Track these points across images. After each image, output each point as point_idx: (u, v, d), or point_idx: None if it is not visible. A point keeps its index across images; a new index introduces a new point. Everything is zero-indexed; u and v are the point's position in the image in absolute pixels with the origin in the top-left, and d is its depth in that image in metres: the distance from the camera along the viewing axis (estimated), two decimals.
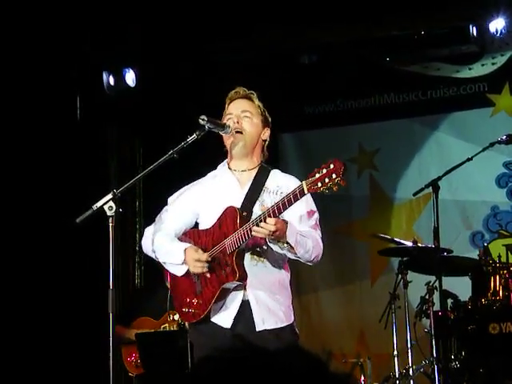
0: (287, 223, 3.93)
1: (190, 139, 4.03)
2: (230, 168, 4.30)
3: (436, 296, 6.01)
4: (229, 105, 4.31)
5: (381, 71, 7.82)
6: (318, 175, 3.72)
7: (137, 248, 8.23)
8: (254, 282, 4.07)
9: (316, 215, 4.19)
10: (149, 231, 4.38)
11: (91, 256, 6.71)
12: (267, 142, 4.35)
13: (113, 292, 3.82)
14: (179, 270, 4.17)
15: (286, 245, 3.96)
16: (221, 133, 4.19)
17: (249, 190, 4.18)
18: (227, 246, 4.01)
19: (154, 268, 6.57)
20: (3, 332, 6.62)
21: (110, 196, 3.87)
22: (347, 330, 7.93)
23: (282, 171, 4.36)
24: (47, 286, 6.91)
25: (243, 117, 4.24)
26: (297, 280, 7.69)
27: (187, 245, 4.15)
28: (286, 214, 3.94)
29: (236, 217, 4.03)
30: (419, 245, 6.25)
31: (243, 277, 4.01)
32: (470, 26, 6.93)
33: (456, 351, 6.01)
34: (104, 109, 7.72)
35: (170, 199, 4.40)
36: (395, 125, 7.99)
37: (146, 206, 8.25)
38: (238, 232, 3.97)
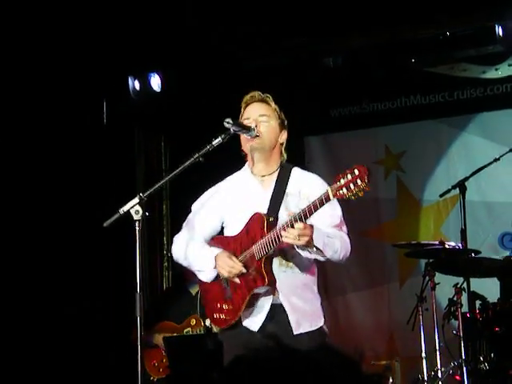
0: (313, 227, 3.94)
1: (215, 142, 4.04)
2: (251, 172, 4.31)
3: (464, 297, 5.98)
4: (245, 109, 4.31)
5: (407, 73, 7.79)
6: (342, 181, 3.72)
7: (164, 252, 8.26)
8: (285, 288, 4.11)
9: (340, 213, 4.19)
10: (178, 238, 4.42)
11: (118, 260, 6.74)
12: (284, 145, 4.34)
13: (140, 296, 3.83)
14: (210, 276, 4.22)
15: (314, 249, 3.98)
16: (246, 135, 4.20)
17: (272, 194, 4.20)
18: (255, 251, 4.04)
19: (180, 272, 6.69)
20: (30, 334, 6.67)
21: (136, 200, 3.89)
22: (376, 332, 7.90)
23: None
24: (75, 289, 6.95)
25: (261, 121, 4.24)
26: (325, 283, 7.68)
27: (218, 250, 4.19)
28: (310, 217, 3.94)
29: (263, 223, 4.06)
30: (446, 246, 6.21)
31: (272, 282, 4.05)
32: (497, 26, 6.88)
33: (485, 353, 5.95)
34: (130, 113, 7.76)
35: (193, 206, 4.43)
36: (422, 126, 7.94)
37: (173, 209, 8.28)
38: (265, 238, 4.00)
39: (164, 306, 6.75)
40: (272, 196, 4.19)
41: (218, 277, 4.20)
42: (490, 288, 6.25)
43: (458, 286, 6.06)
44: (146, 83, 7.58)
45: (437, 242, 6.25)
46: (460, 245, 5.89)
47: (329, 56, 7.53)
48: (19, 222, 6.74)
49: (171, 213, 8.30)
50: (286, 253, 4.10)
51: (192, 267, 4.32)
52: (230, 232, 4.29)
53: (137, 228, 3.87)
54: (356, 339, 7.88)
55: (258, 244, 4.03)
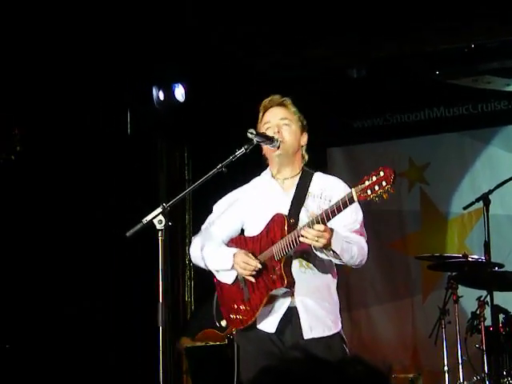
0: (333, 231, 3.92)
1: (238, 153, 4.04)
2: (273, 176, 4.31)
3: (487, 311, 5.94)
4: (264, 113, 4.30)
5: (431, 85, 7.77)
6: (367, 182, 3.70)
7: (187, 261, 8.27)
8: (302, 290, 4.08)
9: (361, 219, 4.17)
10: (196, 240, 4.42)
11: (141, 270, 6.76)
12: (305, 146, 4.33)
13: (162, 305, 3.84)
14: (229, 277, 4.20)
15: (331, 252, 3.96)
16: (269, 146, 4.20)
17: (294, 196, 4.19)
18: (275, 252, 4.03)
19: (206, 281, 6.68)
20: (57, 342, 6.71)
21: (159, 210, 3.90)
22: (399, 345, 7.87)
23: None
24: (98, 298, 6.98)
25: (282, 125, 4.23)
26: (347, 295, 7.67)
27: (236, 249, 4.18)
28: (332, 219, 3.92)
29: (284, 224, 4.05)
30: (469, 259, 6.17)
31: (291, 283, 4.03)
32: None
33: (508, 367, 5.91)
34: (154, 123, 7.79)
35: (215, 207, 4.43)
36: (445, 138, 7.93)
37: (196, 219, 8.28)
38: (285, 238, 3.99)
39: (206, 313, 6.72)
40: (293, 198, 4.18)
41: (237, 278, 4.18)
42: None
43: (482, 299, 6.02)
44: (170, 93, 7.61)
45: (460, 255, 6.22)
46: (483, 258, 5.85)
47: (353, 67, 7.53)
48: (44, 234, 6.78)
49: (194, 222, 8.31)
50: (307, 254, 4.09)
51: (209, 267, 4.31)
52: (249, 233, 4.28)
53: (160, 238, 3.88)
54: (379, 352, 7.85)
55: (277, 244, 4.02)
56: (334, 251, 3.94)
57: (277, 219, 4.09)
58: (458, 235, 7.86)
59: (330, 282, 4.19)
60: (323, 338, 4.09)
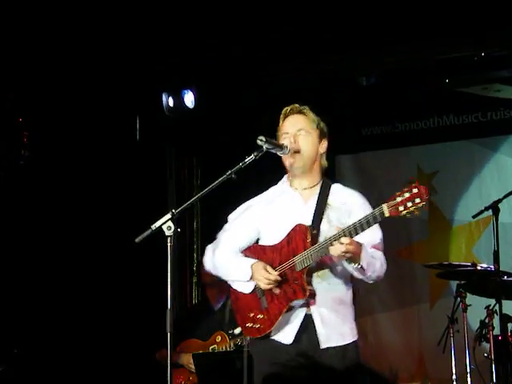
0: (362, 245, 3.93)
1: (247, 160, 4.03)
2: (291, 184, 4.30)
3: (496, 320, 5.92)
4: (283, 122, 4.29)
5: (440, 93, 7.76)
6: (399, 199, 3.70)
7: (194, 268, 8.27)
8: (318, 300, 4.07)
9: (381, 235, 4.18)
10: (210, 249, 4.40)
11: (150, 276, 6.76)
12: (325, 153, 4.33)
13: (171, 312, 3.83)
14: (246, 287, 4.18)
15: (358, 265, 3.95)
16: (279, 153, 4.19)
17: (316, 206, 4.17)
18: (297, 263, 4.02)
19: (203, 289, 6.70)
20: (65, 349, 6.71)
21: (168, 216, 3.88)
22: (406, 353, 7.85)
23: None
24: (106, 304, 6.98)
25: (299, 135, 4.22)
26: (353, 302, 7.64)
27: (253, 260, 4.16)
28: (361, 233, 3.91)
29: (306, 234, 4.03)
30: (478, 267, 6.16)
31: (312, 295, 4.03)
32: None
33: None
34: (163, 130, 7.79)
35: (230, 216, 4.41)
36: (454, 146, 7.91)
37: (204, 225, 8.29)
38: (310, 250, 3.98)
39: (190, 323, 6.72)
40: (316, 208, 4.16)
41: (255, 288, 4.16)
42: None
43: (490, 308, 6.00)
44: (179, 100, 7.61)
45: (469, 264, 6.21)
46: (492, 267, 5.84)
47: (362, 75, 7.53)
48: (52, 239, 6.79)
49: (202, 229, 8.31)
50: (324, 265, 4.08)
51: (224, 277, 4.30)
52: (265, 243, 4.25)
53: (169, 244, 3.86)
54: (385, 360, 7.83)
55: (300, 255, 4.01)
56: (361, 266, 3.95)
57: (299, 230, 4.07)
58: (465, 243, 7.85)
59: (344, 292, 4.19)
60: (339, 347, 4.09)
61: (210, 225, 8.11)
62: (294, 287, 4.02)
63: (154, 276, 4.98)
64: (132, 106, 7.45)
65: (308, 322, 4.08)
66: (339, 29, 6.72)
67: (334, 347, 4.07)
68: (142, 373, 6.91)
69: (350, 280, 4.21)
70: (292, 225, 4.10)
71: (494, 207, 5.80)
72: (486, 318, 6.04)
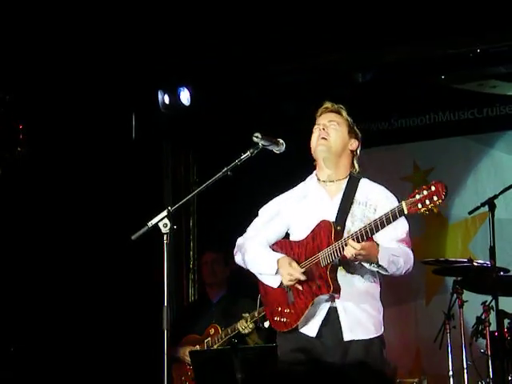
0: (378, 246, 3.99)
1: (243, 157, 4.06)
2: (318, 179, 4.35)
3: (492, 316, 5.93)
4: (317, 119, 4.39)
5: (436, 89, 7.76)
6: (418, 196, 3.80)
7: (190, 265, 8.27)
8: (343, 293, 4.12)
9: (407, 228, 4.24)
10: (240, 242, 4.48)
11: (146, 273, 6.76)
12: (357, 155, 4.40)
13: (167, 309, 3.84)
14: (274, 281, 4.25)
15: (376, 265, 4.04)
16: (275, 150, 4.21)
17: (340, 203, 4.22)
18: (321, 258, 4.08)
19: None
20: (60, 346, 6.71)
21: (164, 213, 3.90)
22: (402, 349, 7.83)
23: None
24: (102, 302, 6.98)
25: (329, 125, 4.31)
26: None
27: (280, 255, 4.23)
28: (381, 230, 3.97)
29: (331, 231, 4.10)
30: (475, 263, 6.17)
31: (337, 290, 4.08)
32: None
33: None
34: (159, 127, 7.79)
35: (260, 211, 4.49)
36: (450, 143, 7.91)
37: (200, 223, 8.28)
38: (333, 246, 4.04)
39: (189, 319, 6.79)
40: (340, 205, 4.22)
41: (281, 282, 4.23)
42: None
43: (487, 304, 6.01)
44: (175, 97, 7.60)
45: (465, 260, 6.22)
46: (488, 263, 5.84)
47: (358, 71, 7.53)
48: (48, 237, 6.78)
49: (198, 226, 8.31)
50: (348, 260, 4.10)
51: (252, 270, 4.37)
52: (294, 238, 4.33)
53: (165, 241, 3.88)
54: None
55: (324, 251, 4.07)
56: (381, 266, 4.02)
57: (323, 226, 4.14)
58: (461, 239, 7.84)
59: (371, 287, 4.24)
60: (362, 340, 4.14)
61: (206, 222, 8.14)
62: (319, 282, 4.09)
63: (151, 273, 4.97)
64: (128, 103, 7.44)
65: (332, 314, 4.14)
66: (335, 27, 6.72)
67: (358, 340, 4.13)
68: (140, 370, 6.93)
69: (375, 274, 4.25)
70: (318, 220, 4.17)
71: (490, 203, 5.81)
72: (482, 314, 6.06)
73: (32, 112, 6.74)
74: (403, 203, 3.84)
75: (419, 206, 3.78)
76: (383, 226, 3.90)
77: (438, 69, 7.42)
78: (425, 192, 3.79)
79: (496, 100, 7.72)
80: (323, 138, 4.28)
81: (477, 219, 7.47)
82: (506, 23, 6.53)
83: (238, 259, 4.48)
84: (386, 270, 4.07)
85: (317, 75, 7.49)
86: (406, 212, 3.83)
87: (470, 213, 6.24)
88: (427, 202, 3.77)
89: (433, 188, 3.79)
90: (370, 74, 7.56)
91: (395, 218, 3.87)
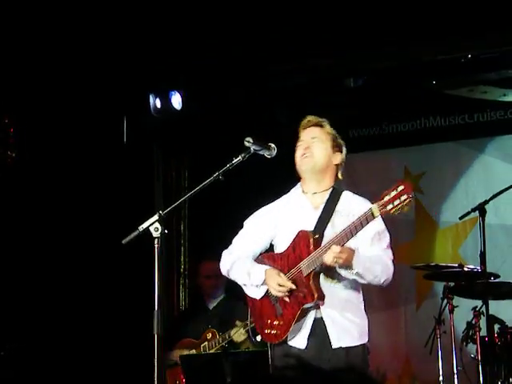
0: (354, 252, 4.03)
1: (235, 161, 4.06)
2: (303, 191, 4.39)
3: (483, 321, 5.94)
4: (301, 133, 4.41)
5: (427, 94, 7.78)
6: (387, 198, 3.86)
7: (181, 270, 8.26)
8: (327, 301, 4.16)
9: (387, 236, 4.28)
10: (226, 254, 4.49)
11: (137, 277, 6.75)
12: (341, 168, 4.44)
13: (158, 313, 3.83)
14: (257, 293, 4.30)
15: (354, 271, 4.06)
16: (266, 155, 4.21)
17: (321, 212, 4.26)
18: (303, 268, 4.13)
19: (198, 290, 6.75)
20: (53, 353, 6.70)
21: (155, 217, 3.89)
22: (392, 354, 7.84)
23: None
24: (93, 306, 6.96)
25: (313, 142, 4.34)
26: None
27: (267, 266, 4.27)
28: (359, 236, 4.03)
29: (308, 240, 4.14)
30: (465, 269, 6.18)
31: (321, 297, 4.13)
32: None
33: (503, 378, 5.91)
34: (150, 131, 7.78)
35: (245, 222, 4.51)
36: (441, 148, 7.92)
37: (191, 227, 8.28)
38: (312, 255, 4.08)
39: (185, 323, 6.82)
40: (320, 214, 4.26)
41: (266, 293, 4.27)
42: (508, 312, 6.21)
43: (477, 309, 6.02)
44: (167, 101, 7.60)
45: (456, 265, 6.23)
46: (479, 268, 5.85)
47: (350, 77, 7.53)
48: (39, 241, 6.77)
49: (189, 230, 8.30)
50: (330, 268, 4.14)
51: (237, 281, 4.40)
52: (279, 249, 4.37)
53: (156, 245, 3.87)
54: (372, 361, 7.80)
55: (305, 261, 4.12)
56: (357, 272, 4.06)
57: (302, 236, 4.18)
58: (451, 244, 7.86)
59: (354, 296, 4.28)
60: (348, 347, 4.18)
61: (197, 227, 8.13)
62: (303, 291, 4.12)
63: (142, 278, 4.96)
64: (119, 107, 7.43)
65: (319, 324, 4.18)
66: (326, 31, 6.72)
67: (344, 348, 4.17)
68: (133, 374, 6.92)
69: (358, 283, 4.27)
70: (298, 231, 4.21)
71: (481, 209, 5.82)
72: (472, 320, 6.07)
73: (23, 115, 6.72)
74: (373, 206, 3.90)
75: (389, 207, 3.85)
76: (357, 231, 3.95)
77: (429, 74, 7.44)
78: (393, 193, 3.84)
79: (487, 105, 7.74)
80: (307, 157, 4.32)
81: (467, 224, 7.49)
82: (497, 29, 6.55)
83: (224, 271, 4.49)
84: (363, 277, 4.12)
85: (307, 80, 7.50)
86: (377, 214, 3.90)
87: (461, 218, 6.25)
88: (396, 202, 3.82)
89: (400, 188, 3.83)
90: (361, 79, 7.57)
91: (366, 223, 3.93)
